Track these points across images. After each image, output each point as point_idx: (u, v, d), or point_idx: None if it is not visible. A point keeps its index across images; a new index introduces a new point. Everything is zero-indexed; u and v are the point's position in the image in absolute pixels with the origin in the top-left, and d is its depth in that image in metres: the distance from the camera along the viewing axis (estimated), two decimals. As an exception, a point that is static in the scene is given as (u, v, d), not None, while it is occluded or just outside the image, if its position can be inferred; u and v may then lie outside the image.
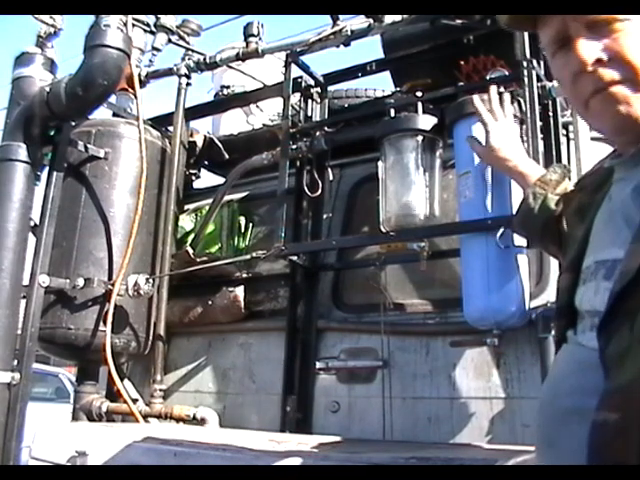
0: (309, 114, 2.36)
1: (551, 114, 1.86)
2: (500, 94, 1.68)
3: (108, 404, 2.26)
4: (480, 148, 1.61)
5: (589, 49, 0.77)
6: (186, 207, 2.78)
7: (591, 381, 0.70)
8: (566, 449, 0.74)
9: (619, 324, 0.67)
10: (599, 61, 0.77)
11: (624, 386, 0.64)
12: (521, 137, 1.81)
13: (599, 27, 0.78)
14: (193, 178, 2.94)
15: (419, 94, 1.97)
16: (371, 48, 2.63)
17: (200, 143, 2.85)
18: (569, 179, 1.26)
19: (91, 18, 2.09)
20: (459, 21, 2.04)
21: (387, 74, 2.43)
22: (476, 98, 1.66)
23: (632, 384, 0.62)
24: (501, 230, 1.65)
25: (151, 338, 2.37)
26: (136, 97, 2.44)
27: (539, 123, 1.77)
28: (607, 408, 0.65)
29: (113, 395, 2.30)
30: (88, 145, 2.33)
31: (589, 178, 1.02)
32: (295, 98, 2.42)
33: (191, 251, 2.43)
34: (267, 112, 3.07)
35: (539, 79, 1.83)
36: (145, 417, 2.21)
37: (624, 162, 0.83)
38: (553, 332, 1.70)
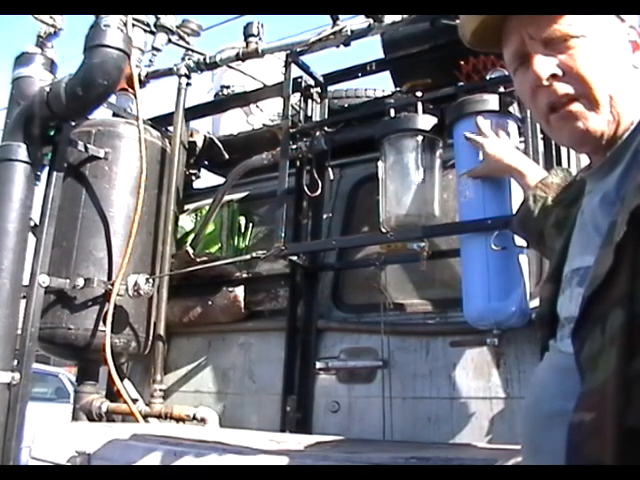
0: (309, 114, 2.36)
1: (551, 114, 1.86)
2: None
3: (108, 404, 2.26)
4: (480, 168, 1.67)
5: (544, 64, 0.81)
6: (186, 207, 2.78)
7: (570, 385, 0.72)
8: (550, 453, 0.75)
9: (591, 328, 0.69)
10: (554, 76, 0.81)
11: (598, 387, 0.65)
12: (521, 137, 1.81)
13: (555, 44, 0.82)
14: (193, 178, 2.94)
15: (419, 94, 1.97)
16: (371, 48, 2.63)
17: (200, 143, 2.85)
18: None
19: (91, 18, 2.09)
20: (459, 21, 2.04)
21: (387, 74, 2.43)
22: (468, 135, 1.71)
23: (605, 384, 0.64)
24: (495, 234, 1.65)
25: (151, 338, 2.37)
26: (136, 97, 2.44)
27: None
28: (583, 409, 0.67)
29: (113, 395, 2.30)
30: (88, 145, 2.33)
31: (564, 192, 1.06)
32: (295, 98, 2.42)
33: (191, 251, 2.43)
34: (267, 112, 3.07)
35: (539, 79, 1.82)
36: (145, 417, 2.21)
37: (592, 175, 0.87)
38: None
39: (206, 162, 2.98)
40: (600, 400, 0.64)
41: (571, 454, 0.67)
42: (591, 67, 0.80)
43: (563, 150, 1.90)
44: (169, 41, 2.69)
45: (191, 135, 2.84)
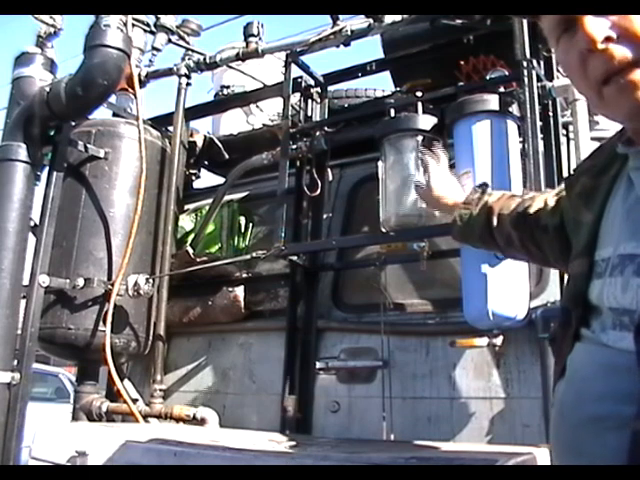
0: (309, 114, 2.36)
1: (551, 114, 1.87)
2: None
3: (108, 404, 2.25)
4: (422, 191, 1.62)
5: (598, 26, 0.70)
6: (186, 207, 2.78)
7: (623, 386, 0.66)
8: (598, 458, 0.69)
9: None
10: (608, 39, 0.70)
11: None
12: (521, 137, 1.81)
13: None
14: (193, 178, 2.94)
15: (419, 94, 1.97)
16: (371, 48, 2.63)
17: (200, 143, 2.85)
18: (489, 195, 1.31)
19: (91, 18, 2.09)
20: (459, 21, 2.04)
21: (387, 74, 2.43)
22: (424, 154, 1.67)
23: None
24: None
25: (151, 338, 2.37)
26: (136, 97, 2.44)
27: (539, 123, 1.77)
28: None
29: (113, 395, 2.30)
30: (88, 145, 2.33)
31: (590, 161, 0.96)
32: (295, 98, 2.42)
33: (191, 251, 2.43)
34: (267, 112, 3.07)
35: (539, 79, 1.83)
36: (145, 417, 2.21)
37: None
38: (554, 327, 1.70)
39: (206, 162, 2.98)
40: None
41: (636, 463, 0.62)
42: None
43: (563, 150, 1.91)
44: (169, 41, 2.70)
45: (191, 135, 2.84)
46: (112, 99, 2.65)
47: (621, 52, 0.70)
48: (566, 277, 0.94)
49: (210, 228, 2.67)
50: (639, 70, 0.69)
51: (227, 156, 2.81)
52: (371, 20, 2.19)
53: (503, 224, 1.23)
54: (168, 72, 2.69)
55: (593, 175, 0.89)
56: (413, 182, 1.75)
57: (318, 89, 2.39)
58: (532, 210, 1.16)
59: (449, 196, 1.49)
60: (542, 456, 1.23)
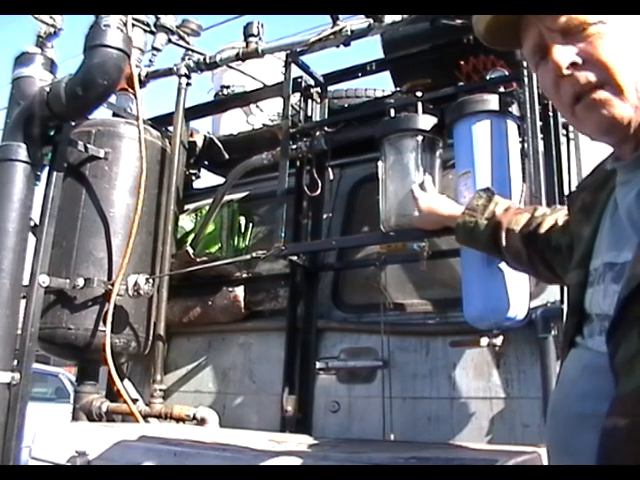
0: (309, 114, 2.36)
1: (551, 114, 1.86)
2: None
3: (108, 404, 2.25)
4: (416, 221, 1.73)
5: (563, 54, 0.79)
6: (186, 207, 2.78)
7: (602, 385, 0.70)
8: (582, 454, 0.72)
9: (627, 330, 0.66)
10: (574, 65, 0.78)
11: (633, 391, 0.63)
12: (521, 137, 1.81)
13: (573, 32, 0.79)
14: (193, 178, 2.94)
15: (419, 94, 1.97)
16: (371, 48, 2.63)
17: (200, 143, 2.85)
18: (495, 203, 1.36)
19: (91, 18, 2.09)
20: (459, 21, 2.04)
21: (387, 74, 2.43)
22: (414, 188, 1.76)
23: None
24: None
25: (151, 338, 2.37)
26: (136, 97, 2.44)
27: (539, 123, 1.77)
28: (616, 414, 0.64)
29: (113, 395, 2.30)
30: (88, 145, 2.33)
31: (590, 178, 1.02)
32: (295, 98, 2.42)
33: (191, 251, 2.43)
34: (267, 112, 3.07)
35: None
36: (145, 417, 2.21)
37: (626, 165, 0.83)
38: (554, 332, 1.70)
39: (206, 162, 2.98)
40: (635, 405, 0.62)
41: (603, 460, 0.65)
42: (612, 53, 0.77)
43: (563, 150, 1.91)
44: (169, 41, 2.69)
45: (191, 135, 2.84)
46: (112, 99, 2.65)
47: (585, 76, 0.78)
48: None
49: (210, 228, 2.67)
50: (602, 91, 0.77)
51: (227, 156, 2.81)
52: (371, 20, 2.19)
53: (512, 241, 1.28)
54: (168, 72, 2.69)
55: (592, 191, 0.95)
56: (410, 187, 1.79)
57: (318, 89, 2.39)
58: (543, 230, 1.21)
59: (440, 208, 1.58)
60: (545, 456, 1.23)
